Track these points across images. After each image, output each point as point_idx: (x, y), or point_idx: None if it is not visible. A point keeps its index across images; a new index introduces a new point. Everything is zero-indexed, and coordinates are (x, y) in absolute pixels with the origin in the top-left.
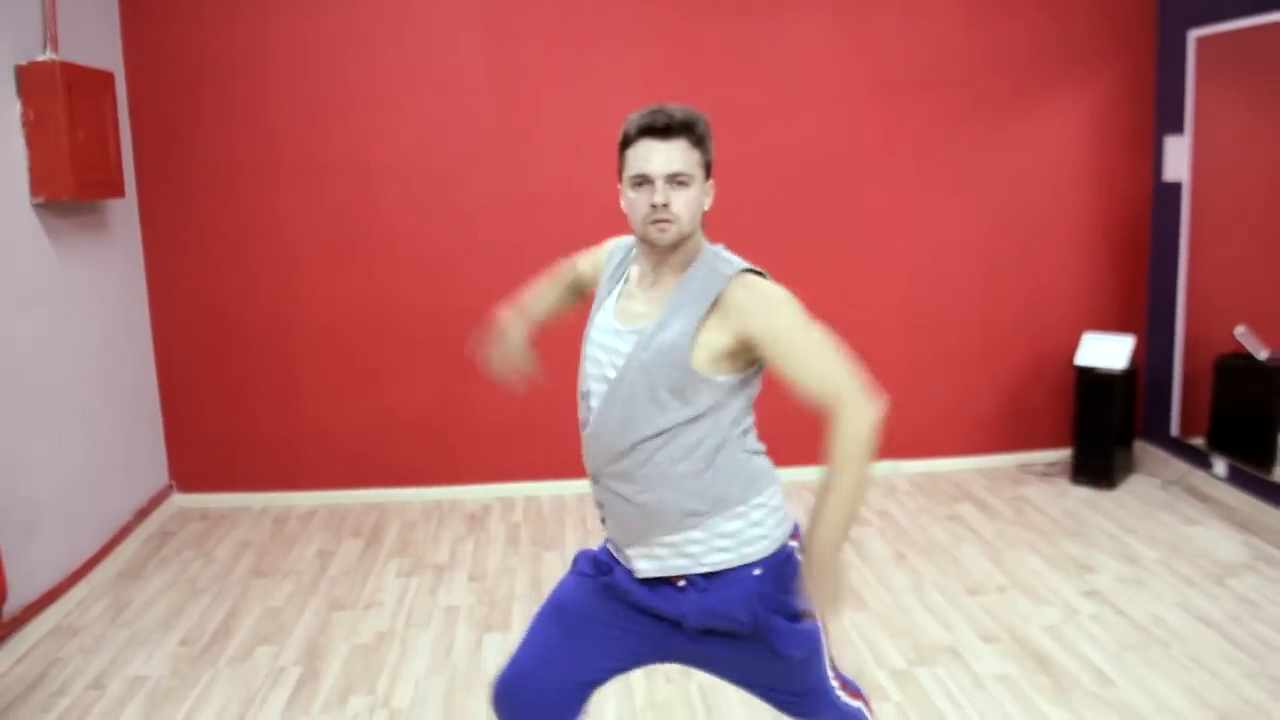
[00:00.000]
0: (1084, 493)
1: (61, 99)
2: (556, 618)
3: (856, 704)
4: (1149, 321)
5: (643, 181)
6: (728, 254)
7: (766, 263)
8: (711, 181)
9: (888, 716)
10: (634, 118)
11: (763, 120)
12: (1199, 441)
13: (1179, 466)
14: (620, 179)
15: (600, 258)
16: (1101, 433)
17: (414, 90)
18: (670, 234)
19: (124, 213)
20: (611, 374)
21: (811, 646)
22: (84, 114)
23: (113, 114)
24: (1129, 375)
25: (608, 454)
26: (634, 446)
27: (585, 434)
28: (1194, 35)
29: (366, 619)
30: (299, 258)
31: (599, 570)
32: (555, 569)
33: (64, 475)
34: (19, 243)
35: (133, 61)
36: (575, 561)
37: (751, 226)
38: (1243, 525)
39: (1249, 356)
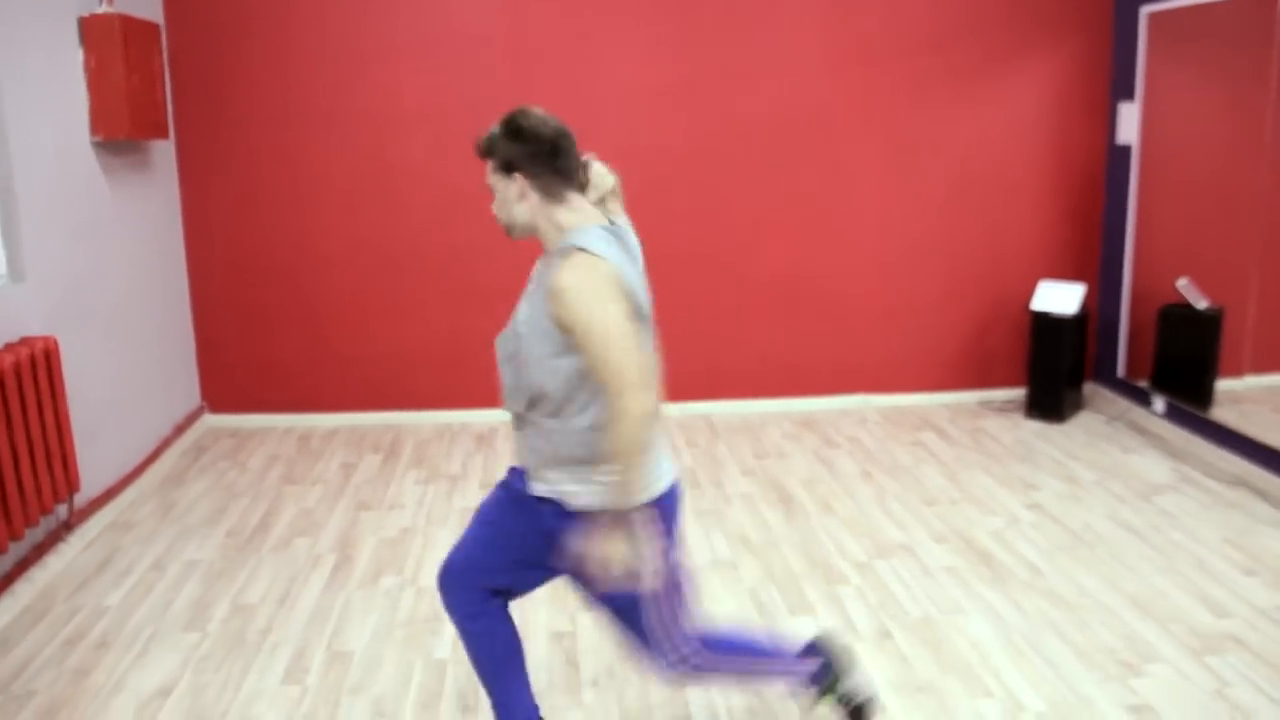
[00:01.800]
0: (1036, 426)
1: (119, 47)
2: None
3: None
4: (1101, 272)
5: None
6: (582, 234)
7: (751, 214)
8: (517, 175)
9: (849, 598)
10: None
11: (750, 82)
12: (1144, 383)
13: (1123, 404)
14: None
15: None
16: (1053, 372)
17: (433, 43)
18: (506, 230)
19: (164, 153)
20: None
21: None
22: (137, 61)
23: (159, 62)
24: (1080, 320)
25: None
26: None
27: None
28: (1145, 10)
29: (391, 517)
30: (323, 197)
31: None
32: None
33: (115, 390)
34: (79, 176)
35: (173, 14)
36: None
37: (737, 180)
38: (1174, 455)
39: (1189, 306)
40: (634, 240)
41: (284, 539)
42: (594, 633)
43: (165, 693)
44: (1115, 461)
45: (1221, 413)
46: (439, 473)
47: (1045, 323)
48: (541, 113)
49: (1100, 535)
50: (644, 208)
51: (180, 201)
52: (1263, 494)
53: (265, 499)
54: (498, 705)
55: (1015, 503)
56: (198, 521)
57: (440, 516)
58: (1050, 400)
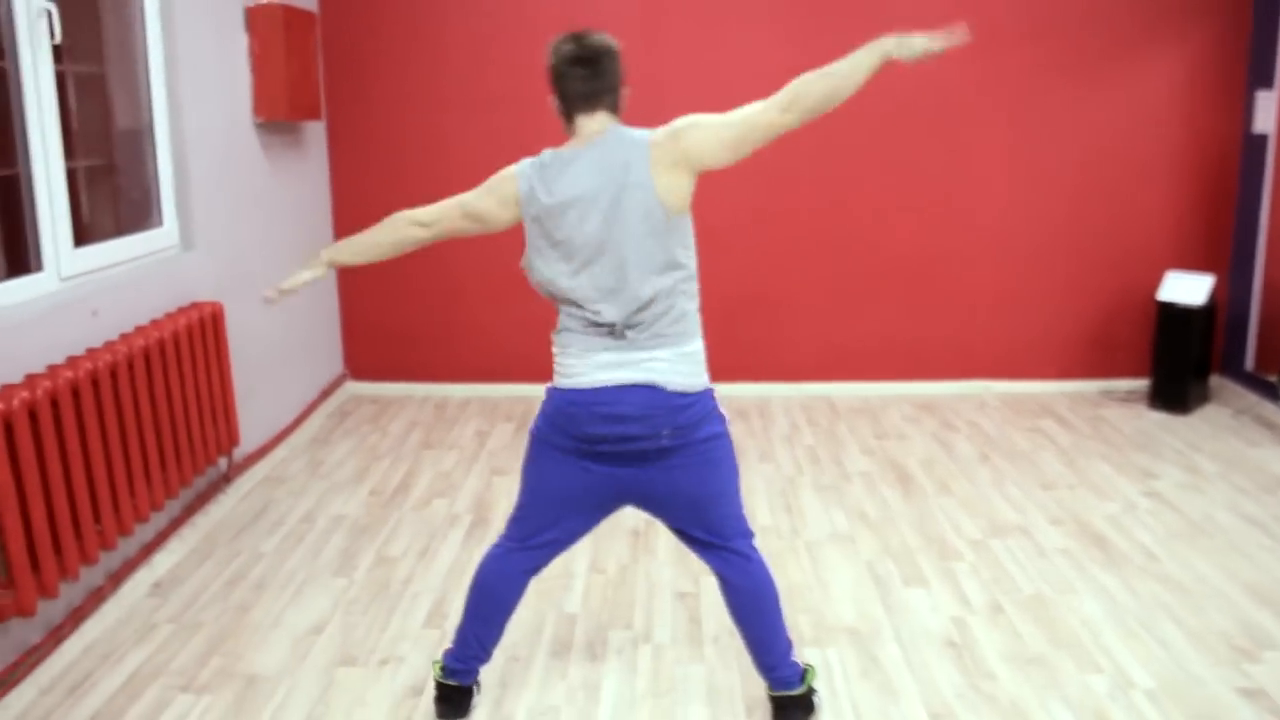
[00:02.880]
0: (1159, 417)
1: (281, 35)
2: None
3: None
4: (1231, 263)
5: None
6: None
7: (875, 198)
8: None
9: (963, 574)
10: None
11: None
12: (1273, 378)
13: (1251, 398)
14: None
15: None
16: (1179, 363)
17: (570, 23)
18: None
19: (317, 133)
20: None
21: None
22: (295, 48)
23: (314, 48)
24: (1208, 311)
25: None
26: None
27: None
28: None
29: None
30: (462, 174)
31: None
32: None
33: (270, 354)
34: (243, 154)
35: (327, 3)
36: None
37: (862, 164)
38: None
39: None
40: (596, 151)
41: (423, 499)
42: (715, 594)
43: (318, 630)
44: (1239, 454)
45: None
46: None
47: (1172, 313)
48: (579, 34)
49: (1220, 525)
50: (769, 191)
51: (330, 178)
52: None
53: (405, 462)
54: None
55: (1133, 490)
56: (344, 479)
57: None
58: (1174, 391)
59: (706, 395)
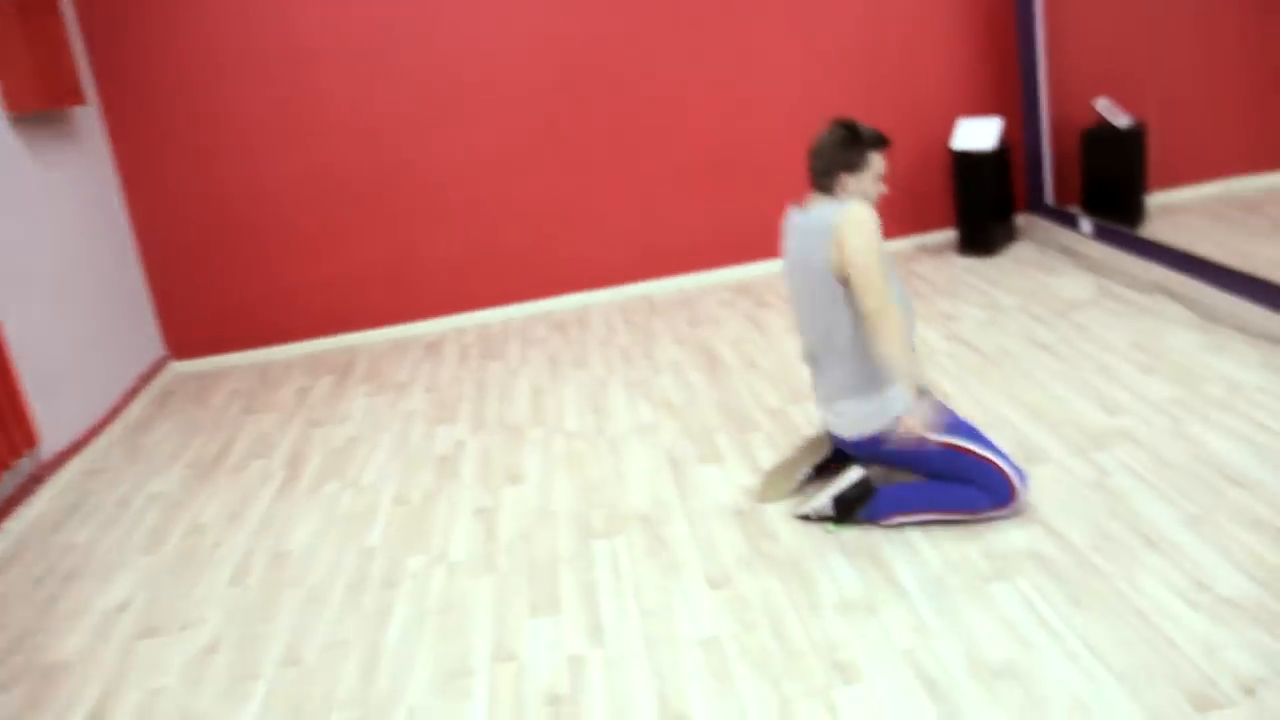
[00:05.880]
0: (967, 262)
1: (15, 18)
2: None
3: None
4: (1024, 103)
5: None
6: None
7: (666, 93)
8: None
9: (758, 444)
10: (873, 133)
11: None
12: (1075, 208)
13: (1055, 231)
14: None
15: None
16: (979, 208)
17: None
18: None
19: (89, 118)
20: None
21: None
22: (37, 31)
23: (62, 28)
24: (1000, 154)
25: None
26: None
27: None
28: None
29: (339, 430)
30: (255, 135)
31: None
32: (499, 375)
33: (69, 350)
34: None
35: None
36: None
37: (649, 61)
38: (1098, 271)
39: (1111, 126)
40: (803, 219)
41: (240, 463)
42: (513, 506)
43: (123, 607)
44: (1038, 285)
45: (1154, 226)
46: (387, 384)
47: (966, 160)
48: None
49: (1011, 354)
50: (559, 100)
51: (114, 161)
52: (1177, 296)
53: (224, 431)
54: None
55: (935, 335)
56: (162, 459)
57: (386, 423)
58: (979, 235)
59: None
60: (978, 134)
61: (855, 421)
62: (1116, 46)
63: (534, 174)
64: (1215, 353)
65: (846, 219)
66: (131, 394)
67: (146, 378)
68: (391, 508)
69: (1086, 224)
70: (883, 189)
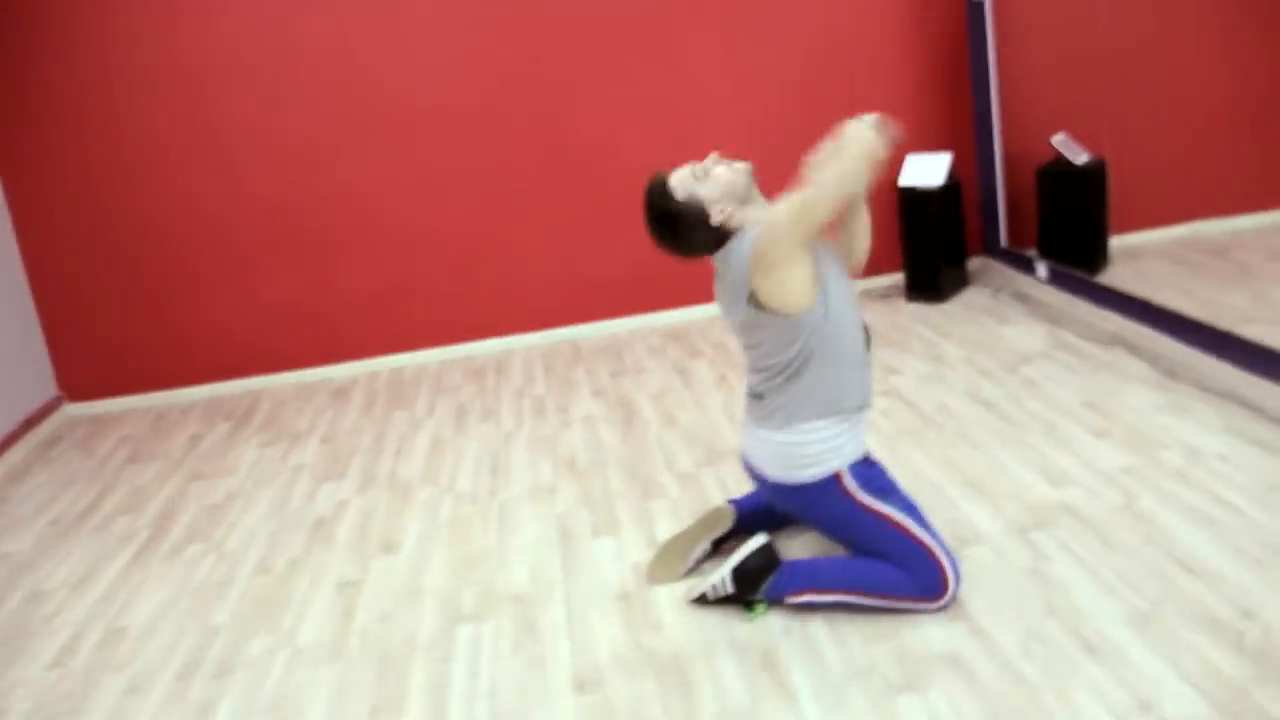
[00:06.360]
0: (914, 308)
1: None
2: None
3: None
4: (976, 138)
5: None
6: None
7: (597, 128)
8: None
9: (660, 513)
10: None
11: None
12: (1032, 251)
13: (1009, 275)
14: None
15: None
16: (926, 250)
17: None
18: None
19: None
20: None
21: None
22: None
23: None
24: (949, 192)
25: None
26: None
27: (863, 363)
28: None
29: (220, 484)
30: (153, 166)
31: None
32: (401, 426)
33: None
34: None
35: None
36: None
37: (575, 91)
38: (1053, 320)
39: (1068, 163)
40: (722, 264)
41: (105, 521)
42: (379, 579)
43: None
44: (989, 334)
45: (1115, 271)
46: (283, 434)
47: (913, 198)
48: None
49: (951, 413)
50: (483, 129)
51: (2, 197)
52: (1135, 349)
53: (100, 482)
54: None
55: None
56: (26, 514)
57: (269, 477)
58: (928, 280)
59: None
60: (926, 170)
61: (782, 458)
62: (1075, 78)
63: (455, 208)
64: (1175, 414)
65: (753, 248)
66: (13, 438)
67: (33, 421)
68: (250, 578)
69: (1042, 269)
70: (720, 161)
